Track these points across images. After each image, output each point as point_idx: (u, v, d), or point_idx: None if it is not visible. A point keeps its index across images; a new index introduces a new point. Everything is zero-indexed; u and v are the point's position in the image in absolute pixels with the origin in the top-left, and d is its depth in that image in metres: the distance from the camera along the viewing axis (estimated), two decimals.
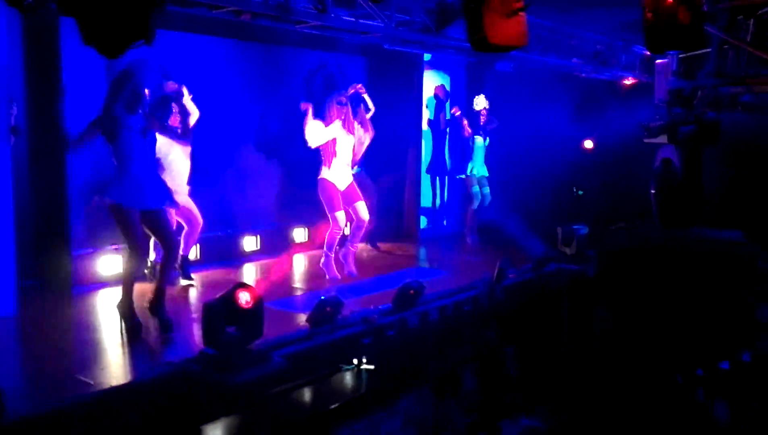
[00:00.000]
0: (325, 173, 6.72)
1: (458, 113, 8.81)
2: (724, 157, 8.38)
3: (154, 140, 5.12)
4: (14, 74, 5.60)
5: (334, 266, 6.82)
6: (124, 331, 4.94)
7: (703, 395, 6.37)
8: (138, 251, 4.95)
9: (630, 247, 8.55)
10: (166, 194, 5.18)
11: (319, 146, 6.69)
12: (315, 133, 6.60)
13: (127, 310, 4.96)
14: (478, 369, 6.41)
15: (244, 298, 4.30)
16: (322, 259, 6.82)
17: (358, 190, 6.93)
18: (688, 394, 6.42)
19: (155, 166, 5.18)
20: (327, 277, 6.77)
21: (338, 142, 6.71)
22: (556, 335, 7.15)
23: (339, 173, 6.76)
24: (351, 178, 6.88)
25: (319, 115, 6.75)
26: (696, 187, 7.69)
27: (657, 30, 5.34)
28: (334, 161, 6.71)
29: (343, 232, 6.91)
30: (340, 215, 6.72)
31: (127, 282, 4.98)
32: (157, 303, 5.07)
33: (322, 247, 6.88)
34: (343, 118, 6.72)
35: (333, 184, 6.72)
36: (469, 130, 8.76)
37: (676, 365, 6.78)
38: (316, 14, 6.17)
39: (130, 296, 4.97)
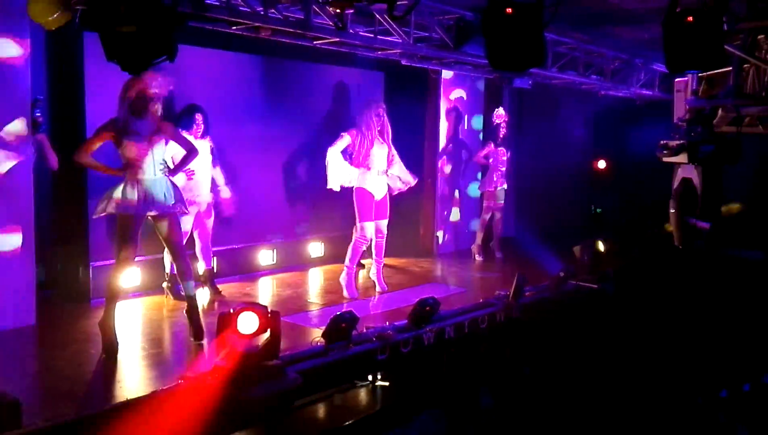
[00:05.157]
0: (362, 183, 6.66)
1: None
2: (744, 176, 8.30)
3: (163, 146, 5.01)
4: (37, 89, 5.68)
5: (354, 283, 6.76)
6: (102, 349, 4.82)
7: (725, 418, 6.27)
8: (128, 262, 4.91)
9: (650, 266, 8.46)
10: (176, 199, 5.09)
11: (353, 158, 6.70)
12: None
13: (107, 327, 4.84)
14: (495, 387, 6.36)
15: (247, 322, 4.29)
16: (343, 274, 6.72)
17: (388, 208, 6.87)
18: (710, 416, 6.32)
19: (164, 170, 5.03)
20: (345, 293, 6.68)
21: (372, 154, 6.67)
22: (574, 353, 7.08)
23: (375, 182, 6.71)
24: (386, 190, 6.82)
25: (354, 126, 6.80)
26: (716, 208, 7.61)
27: (677, 49, 5.33)
28: (368, 173, 6.67)
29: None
30: (369, 226, 6.67)
31: (112, 295, 4.86)
32: (189, 310, 5.16)
33: (338, 262, 6.84)
34: (379, 129, 6.70)
35: (371, 193, 6.67)
36: (484, 160, 8.81)
37: (696, 387, 6.68)
38: (335, 31, 6.22)
39: (112, 312, 4.86)
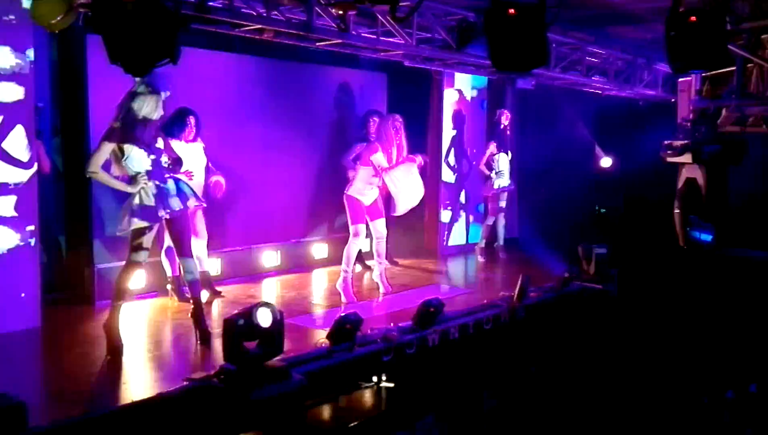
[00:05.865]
0: (354, 191, 6.68)
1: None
2: (749, 176, 8.28)
3: (161, 149, 5.00)
4: (41, 92, 5.69)
5: (351, 288, 6.72)
6: (107, 351, 4.84)
7: (731, 418, 6.26)
8: (140, 265, 4.97)
9: (654, 267, 8.44)
10: (189, 195, 5.13)
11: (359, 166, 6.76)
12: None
13: (112, 329, 4.85)
14: (499, 389, 6.35)
15: (263, 317, 4.27)
16: (340, 280, 6.69)
17: (381, 206, 6.92)
18: (715, 416, 6.30)
19: (165, 172, 5.02)
20: (343, 298, 6.62)
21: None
22: (579, 354, 7.07)
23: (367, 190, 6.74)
24: (377, 195, 6.84)
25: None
26: (721, 208, 7.60)
27: (680, 49, 5.32)
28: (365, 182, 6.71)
29: (361, 251, 6.87)
30: (361, 228, 6.69)
31: (119, 297, 4.87)
32: (194, 313, 5.17)
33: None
34: (396, 142, 6.71)
35: (359, 200, 6.69)
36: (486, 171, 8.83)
37: (702, 387, 6.67)
38: (338, 32, 6.22)
39: (118, 314, 4.87)
